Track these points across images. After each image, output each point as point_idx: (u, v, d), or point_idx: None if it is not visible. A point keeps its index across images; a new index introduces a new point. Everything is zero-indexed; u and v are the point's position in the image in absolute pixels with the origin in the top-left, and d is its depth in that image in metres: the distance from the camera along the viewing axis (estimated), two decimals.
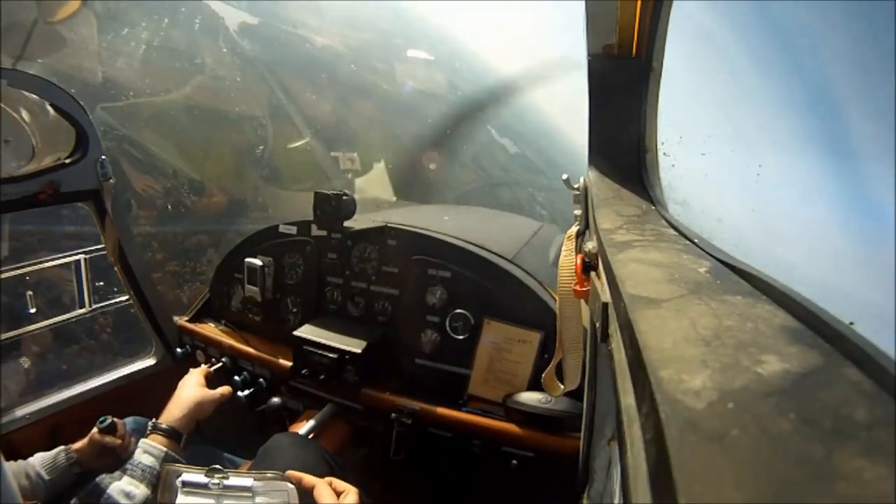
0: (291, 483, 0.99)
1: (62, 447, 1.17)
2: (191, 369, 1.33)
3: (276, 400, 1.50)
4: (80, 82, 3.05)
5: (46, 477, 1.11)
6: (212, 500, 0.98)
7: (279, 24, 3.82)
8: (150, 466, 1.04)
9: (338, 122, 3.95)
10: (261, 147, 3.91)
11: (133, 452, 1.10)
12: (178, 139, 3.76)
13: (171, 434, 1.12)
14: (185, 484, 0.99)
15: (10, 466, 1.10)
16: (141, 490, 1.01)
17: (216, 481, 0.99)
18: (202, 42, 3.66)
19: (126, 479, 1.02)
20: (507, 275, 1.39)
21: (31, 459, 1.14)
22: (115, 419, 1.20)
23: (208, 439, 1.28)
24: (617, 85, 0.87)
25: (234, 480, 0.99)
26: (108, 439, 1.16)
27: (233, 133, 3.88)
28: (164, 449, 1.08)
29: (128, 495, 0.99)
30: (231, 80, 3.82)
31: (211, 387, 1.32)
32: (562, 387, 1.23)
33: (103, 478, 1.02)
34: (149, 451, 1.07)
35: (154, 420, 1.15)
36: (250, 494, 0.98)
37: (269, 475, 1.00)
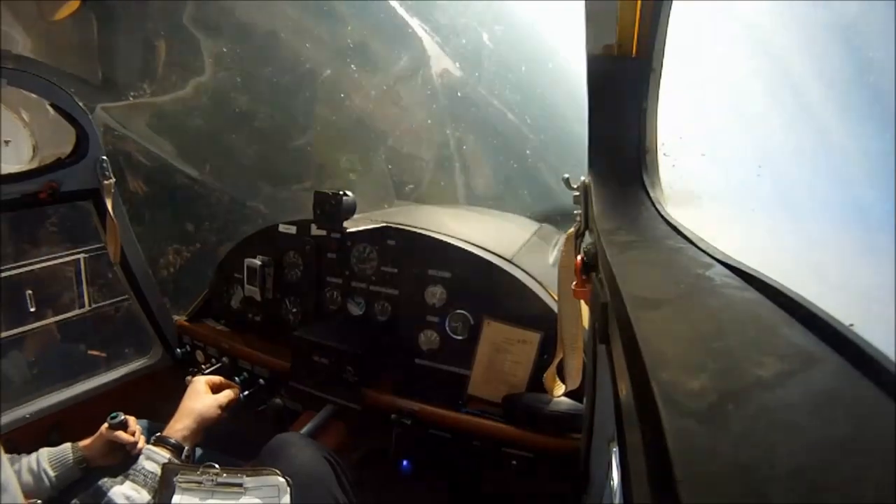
0: (282, 478, 1.00)
1: (69, 444, 1.16)
2: (195, 377, 1.32)
3: (276, 401, 1.50)
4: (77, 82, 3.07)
5: (52, 473, 1.10)
6: (204, 496, 0.99)
7: (480, 85, 3.85)
8: (152, 472, 1.04)
9: (494, 199, 3.93)
10: (411, 186, 3.93)
11: (136, 456, 1.10)
12: (342, 147, 3.88)
13: (174, 447, 1.11)
14: (180, 481, 1.00)
15: (13, 460, 1.10)
16: (143, 495, 1.00)
17: (210, 478, 0.99)
18: (402, 70, 3.73)
19: (129, 483, 1.01)
20: (506, 275, 1.39)
21: (35, 454, 1.13)
22: (127, 416, 1.19)
23: (208, 440, 1.27)
24: (617, 85, 0.87)
25: (226, 477, 1.00)
26: (119, 435, 1.15)
27: (391, 163, 3.92)
28: (168, 456, 1.08)
29: (129, 499, 0.99)
30: (410, 114, 3.87)
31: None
32: (563, 386, 1.23)
33: (105, 481, 1.02)
34: (152, 457, 1.07)
35: (158, 434, 1.14)
36: (241, 490, 0.99)
37: (261, 471, 1.01)
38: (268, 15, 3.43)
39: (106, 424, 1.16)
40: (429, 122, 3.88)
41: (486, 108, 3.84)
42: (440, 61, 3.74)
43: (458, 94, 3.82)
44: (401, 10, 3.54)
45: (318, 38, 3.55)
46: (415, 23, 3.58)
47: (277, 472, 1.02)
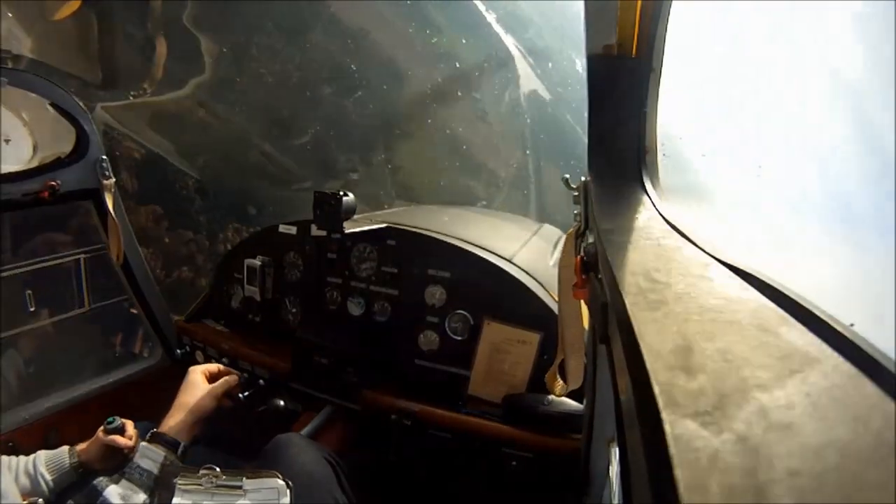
0: (281, 480, 1.00)
1: (66, 447, 1.16)
2: (189, 368, 1.31)
3: (276, 401, 1.50)
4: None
5: (49, 477, 1.09)
6: (203, 498, 0.98)
7: (566, 111, 3.80)
8: (147, 471, 1.03)
9: (566, 224, 3.91)
10: (483, 203, 3.90)
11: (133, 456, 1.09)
12: (414, 150, 3.91)
13: (170, 444, 1.10)
14: (179, 483, 0.99)
15: (11, 463, 1.10)
16: (139, 494, 1.00)
17: (209, 480, 0.99)
18: (489, 83, 3.75)
19: (124, 482, 1.01)
20: (506, 275, 1.39)
21: (33, 457, 1.13)
22: (124, 420, 1.19)
23: (208, 441, 1.27)
24: (617, 85, 0.87)
25: (225, 479, 1.00)
26: (116, 439, 1.15)
27: (464, 175, 3.91)
28: (163, 453, 1.07)
29: (125, 499, 0.99)
30: (493, 129, 3.86)
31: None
32: (565, 387, 1.23)
33: (100, 480, 1.01)
34: (148, 455, 1.06)
35: (153, 430, 1.13)
36: (241, 492, 0.99)
37: (261, 473, 1.00)
38: (361, 13, 3.47)
39: (102, 429, 1.15)
40: (510, 139, 3.88)
41: (569, 133, 3.83)
42: (530, 81, 3.76)
43: (544, 115, 3.80)
44: (497, 27, 3.55)
45: (410, 43, 3.58)
46: (509, 41, 3.58)
47: (277, 474, 1.01)
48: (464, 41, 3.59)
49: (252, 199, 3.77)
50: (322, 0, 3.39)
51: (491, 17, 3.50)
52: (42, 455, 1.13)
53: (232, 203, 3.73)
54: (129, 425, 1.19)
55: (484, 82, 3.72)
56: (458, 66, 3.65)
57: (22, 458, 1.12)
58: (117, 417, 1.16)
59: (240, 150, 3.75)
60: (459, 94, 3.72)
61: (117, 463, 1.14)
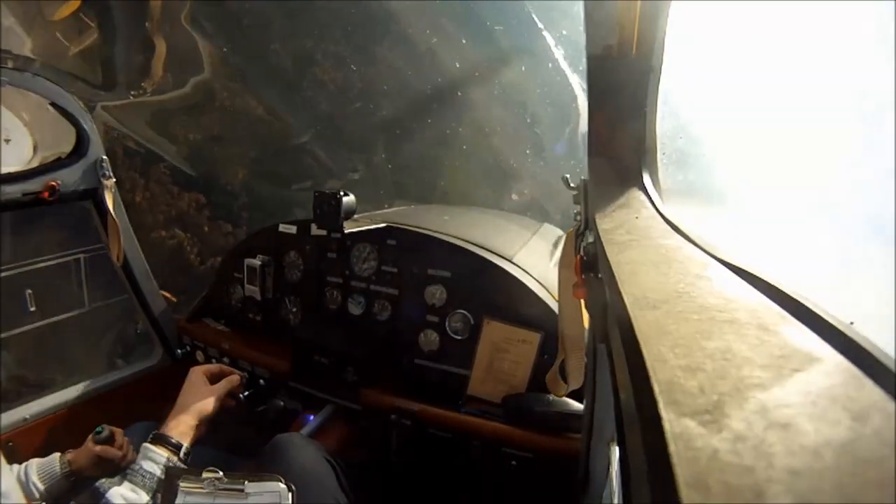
0: (283, 484, 1.00)
1: (57, 454, 1.15)
2: (191, 368, 1.30)
3: (276, 401, 1.50)
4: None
5: (41, 486, 1.08)
6: (206, 500, 0.98)
7: None
8: (150, 472, 1.02)
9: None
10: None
11: (134, 457, 1.08)
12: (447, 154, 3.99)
13: (173, 446, 1.10)
14: (182, 485, 0.99)
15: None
16: (141, 496, 0.99)
17: (212, 483, 0.99)
18: (552, 120, 3.78)
19: (126, 484, 1.00)
20: (506, 275, 1.39)
21: (25, 465, 1.12)
22: (113, 428, 1.17)
23: (208, 440, 1.26)
24: (617, 85, 0.87)
25: (228, 482, 1.00)
26: (106, 450, 1.14)
27: (485, 184, 3.95)
28: (166, 455, 1.07)
29: (127, 500, 0.98)
30: (551, 167, 3.90)
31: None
32: (566, 387, 1.23)
33: (103, 481, 1.01)
34: (150, 457, 1.05)
35: (155, 431, 1.13)
36: (243, 495, 0.99)
37: (264, 476, 1.00)
38: (433, 34, 3.54)
39: (91, 438, 1.15)
40: (565, 176, 3.94)
41: None
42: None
43: None
44: (563, 64, 3.55)
45: (475, 69, 3.65)
46: (574, 80, 3.60)
47: (279, 477, 1.01)
48: (529, 75, 3.65)
49: (297, 200, 3.84)
50: (391, 2, 3.41)
51: (559, 54, 3.51)
52: (34, 464, 1.11)
53: (275, 203, 3.79)
54: (119, 434, 1.18)
55: (545, 118, 3.76)
56: (520, 99, 3.71)
57: (14, 466, 1.11)
58: (106, 426, 1.15)
59: (290, 151, 3.82)
60: (518, 125, 3.76)
61: (110, 471, 1.13)
